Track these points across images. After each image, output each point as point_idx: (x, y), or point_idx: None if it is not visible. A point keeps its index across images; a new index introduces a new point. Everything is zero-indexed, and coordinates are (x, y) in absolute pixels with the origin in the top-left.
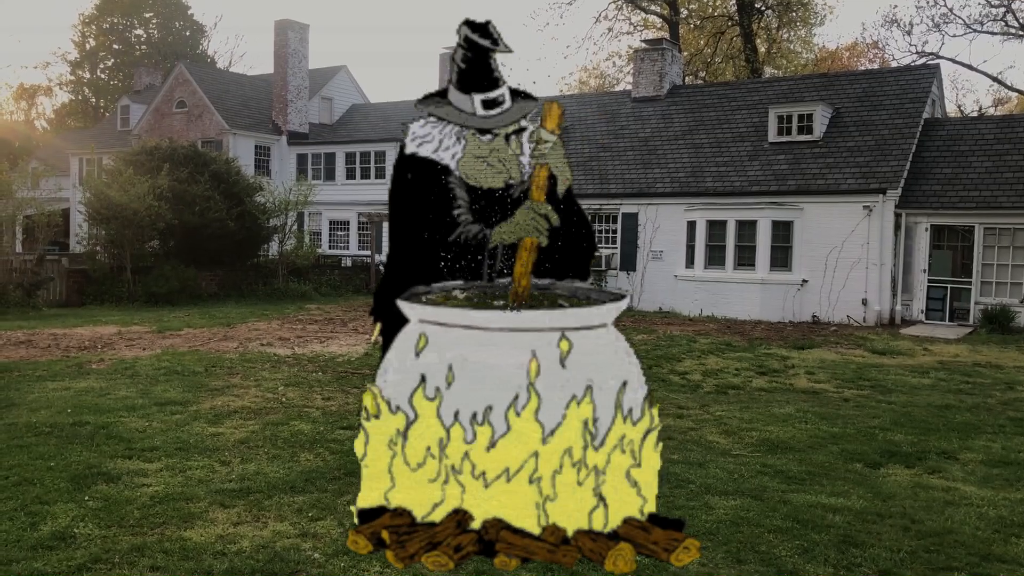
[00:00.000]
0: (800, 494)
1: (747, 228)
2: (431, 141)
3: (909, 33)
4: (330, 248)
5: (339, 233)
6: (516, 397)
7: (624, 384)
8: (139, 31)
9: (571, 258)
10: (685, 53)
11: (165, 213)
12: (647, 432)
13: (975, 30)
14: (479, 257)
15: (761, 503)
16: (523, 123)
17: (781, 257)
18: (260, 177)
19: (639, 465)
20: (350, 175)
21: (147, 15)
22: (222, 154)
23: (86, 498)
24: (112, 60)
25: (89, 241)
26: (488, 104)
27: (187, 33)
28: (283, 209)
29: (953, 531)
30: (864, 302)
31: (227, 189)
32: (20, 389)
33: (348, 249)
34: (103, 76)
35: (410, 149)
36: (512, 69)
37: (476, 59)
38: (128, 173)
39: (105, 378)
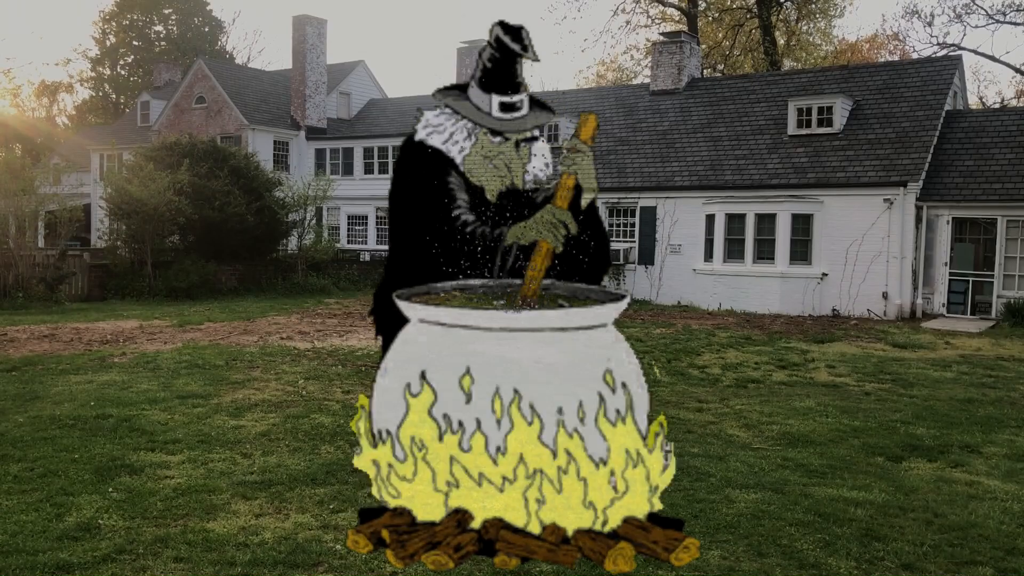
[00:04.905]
0: (821, 487)
1: (766, 221)
2: (442, 132)
3: (930, 24)
4: (348, 243)
5: (357, 228)
6: (516, 397)
7: (624, 384)
8: (158, 27)
9: (583, 270)
10: (703, 46)
11: (185, 208)
12: (648, 431)
13: (997, 20)
14: (487, 256)
15: (782, 496)
16: (536, 132)
17: (801, 251)
18: (279, 172)
19: (640, 464)
20: (368, 170)
21: (166, 11)
22: (241, 149)
23: (110, 490)
24: (132, 56)
25: (110, 236)
26: (506, 107)
27: (206, 29)
28: (302, 204)
29: (977, 525)
30: (885, 295)
31: (246, 184)
32: (44, 382)
33: (366, 244)
34: (123, 72)
35: (420, 136)
36: (530, 65)
37: (503, 61)
38: (148, 168)
39: (127, 371)
